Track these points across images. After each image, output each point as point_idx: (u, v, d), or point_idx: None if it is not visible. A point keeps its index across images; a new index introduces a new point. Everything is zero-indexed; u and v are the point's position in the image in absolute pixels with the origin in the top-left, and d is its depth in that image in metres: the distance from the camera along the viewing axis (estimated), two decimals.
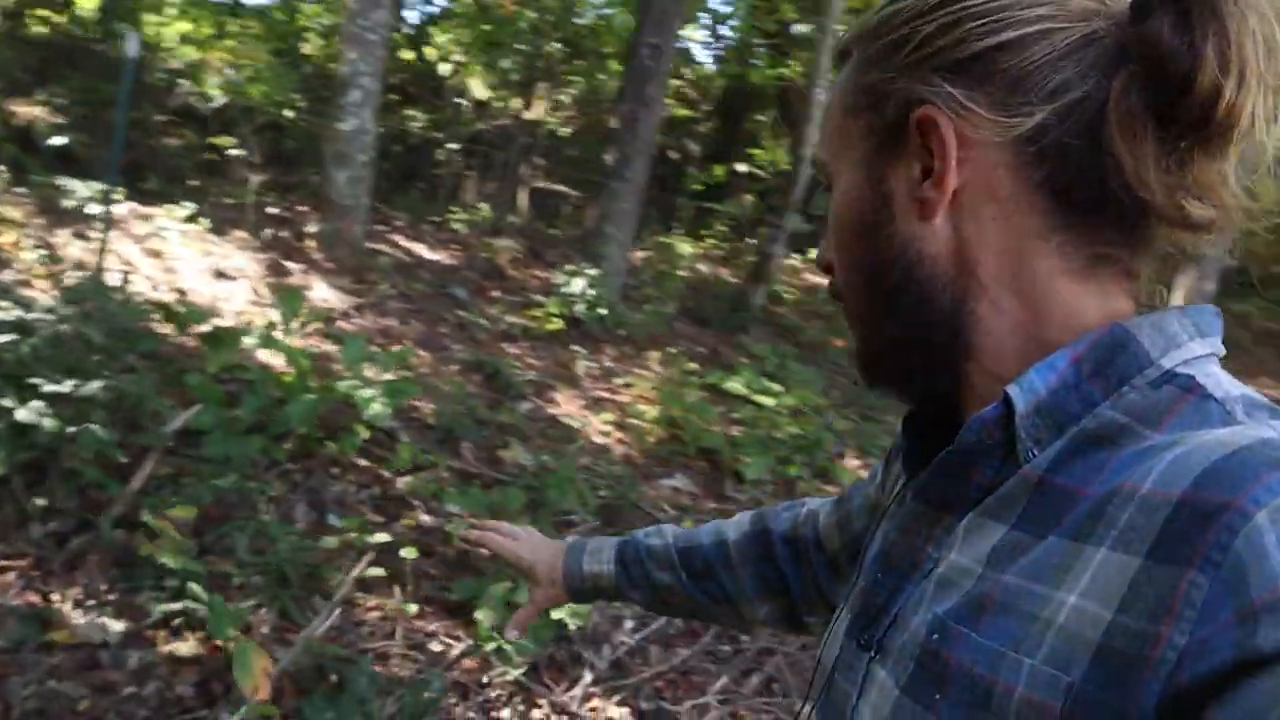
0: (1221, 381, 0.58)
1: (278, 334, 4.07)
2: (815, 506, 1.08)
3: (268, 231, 6.40)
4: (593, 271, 6.49)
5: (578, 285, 6.33)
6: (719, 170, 11.96)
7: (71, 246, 5.37)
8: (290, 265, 5.99)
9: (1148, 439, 0.56)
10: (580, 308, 6.32)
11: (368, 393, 3.93)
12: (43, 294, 4.57)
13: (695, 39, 13.47)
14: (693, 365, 6.22)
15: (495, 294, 7.03)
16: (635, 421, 5.38)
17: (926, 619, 0.61)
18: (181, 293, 5.17)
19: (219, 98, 6.33)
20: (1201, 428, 0.55)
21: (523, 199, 10.20)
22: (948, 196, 0.61)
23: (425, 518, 3.83)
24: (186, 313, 3.99)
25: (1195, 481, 0.49)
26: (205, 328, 4.02)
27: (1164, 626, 0.47)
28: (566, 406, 5.44)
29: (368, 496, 3.88)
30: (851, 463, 5.65)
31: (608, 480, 4.52)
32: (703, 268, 9.78)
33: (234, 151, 6.70)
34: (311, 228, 6.63)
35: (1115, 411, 0.58)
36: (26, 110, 7.78)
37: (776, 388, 6.31)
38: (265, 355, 4.24)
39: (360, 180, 6.66)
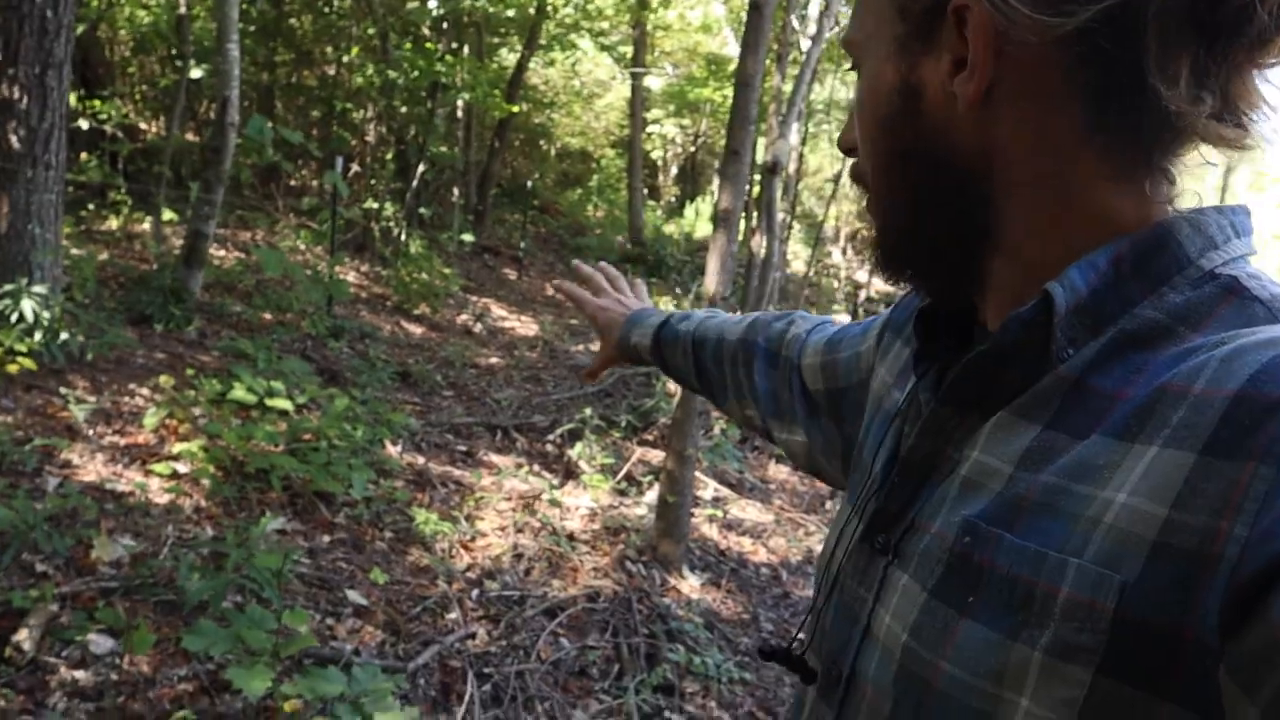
0: (1264, 282, 0.58)
1: None
2: (803, 331, 1.08)
3: None
4: (39, 289, 5.09)
5: (28, 309, 4.92)
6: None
7: None
8: None
9: (1189, 340, 0.55)
10: (39, 337, 4.95)
11: None
12: None
13: None
14: (216, 384, 5.31)
15: None
16: (185, 465, 4.49)
17: (955, 521, 0.60)
18: None
19: None
20: (1247, 328, 0.54)
21: None
22: (980, 92, 0.59)
23: (78, 674, 2.87)
24: None
25: (1251, 378, 0.49)
26: None
27: (1224, 521, 0.46)
28: (93, 468, 4.31)
29: None
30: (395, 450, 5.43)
31: (202, 546, 3.75)
32: (79, 251, 8.11)
33: None
34: None
35: (1156, 312, 0.57)
36: None
37: (279, 386, 5.69)
38: None
39: None
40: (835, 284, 17.86)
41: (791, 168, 15.14)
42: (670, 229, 19.12)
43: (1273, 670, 0.42)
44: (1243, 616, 0.45)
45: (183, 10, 8.61)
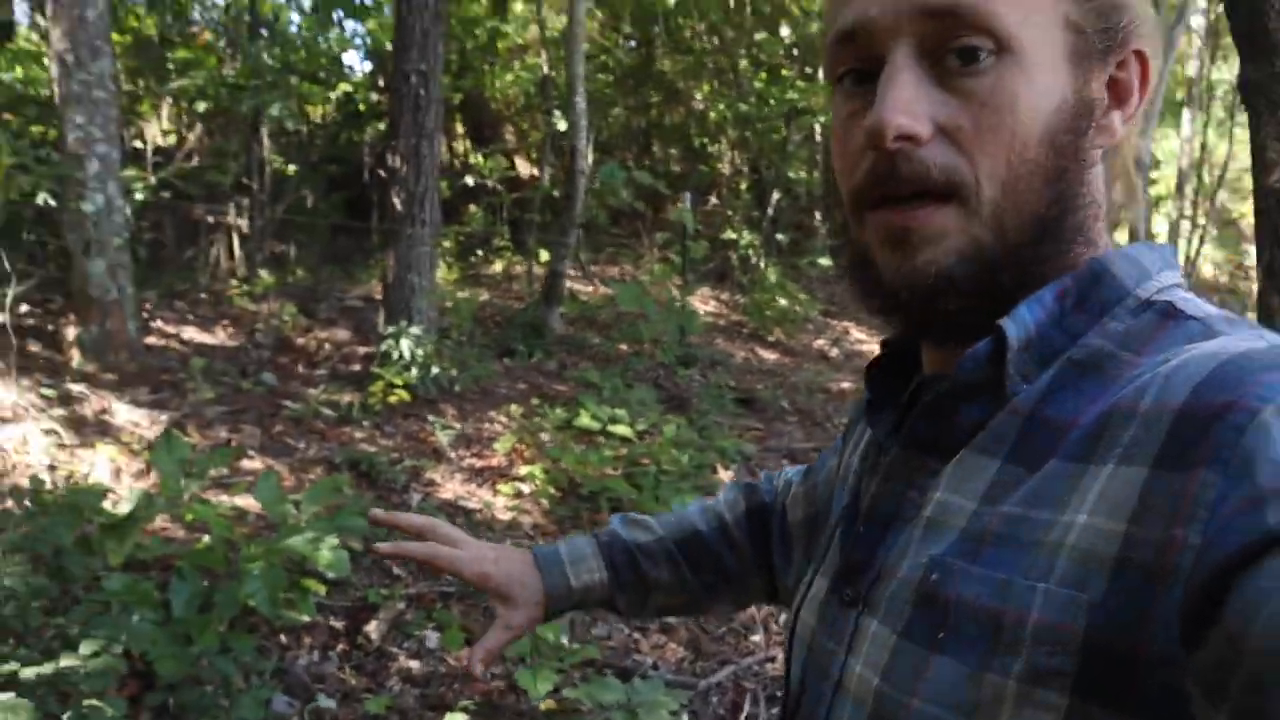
0: (1198, 303, 0.61)
1: (187, 499, 3.31)
2: (791, 474, 1.06)
3: (19, 351, 5.25)
4: (416, 330, 5.92)
5: (405, 348, 5.74)
6: (441, 186, 11.39)
7: None
8: (74, 389, 4.94)
9: (1134, 363, 0.57)
10: (415, 372, 5.75)
11: (308, 537, 3.29)
12: None
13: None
14: (561, 412, 5.87)
15: (300, 370, 6.25)
16: (528, 486, 4.99)
17: (920, 562, 0.60)
18: None
19: None
20: (1187, 344, 0.56)
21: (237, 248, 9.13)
22: (1122, 135, 0.63)
23: (413, 664, 3.32)
24: (74, 499, 3.13)
25: (1195, 390, 0.50)
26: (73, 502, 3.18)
27: (1178, 529, 0.47)
28: (450, 487, 4.94)
29: (341, 659, 3.28)
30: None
31: None
32: (463, 294, 9.27)
33: None
34: (71, 333, 5.50)
35: (1101, 340, 0.60)
36: None
37: (621, 413, 6.11)
38: (159, 525, 3.45)
39: (120, 267, 5.62)
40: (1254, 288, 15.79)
41: (1184, 162, 13.71)
42: None
43: (1234, 676, 0.42)
44: (1201, 625, 0.45)
45: (545, 71, 9.53)
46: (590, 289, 10.53)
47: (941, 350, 0.67)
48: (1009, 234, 0.60)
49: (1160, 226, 14.43)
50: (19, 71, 7.28)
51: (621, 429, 5.83)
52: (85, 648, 2.29)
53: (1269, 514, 0.44)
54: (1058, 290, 0.61)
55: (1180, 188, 13.96)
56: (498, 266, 10.73)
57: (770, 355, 9.75)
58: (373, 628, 3.41)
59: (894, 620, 0.61)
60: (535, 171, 13.32)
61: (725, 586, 1.05)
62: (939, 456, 0.64)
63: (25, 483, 3.68)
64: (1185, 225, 14.03)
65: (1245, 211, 15.39)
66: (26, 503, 3.19)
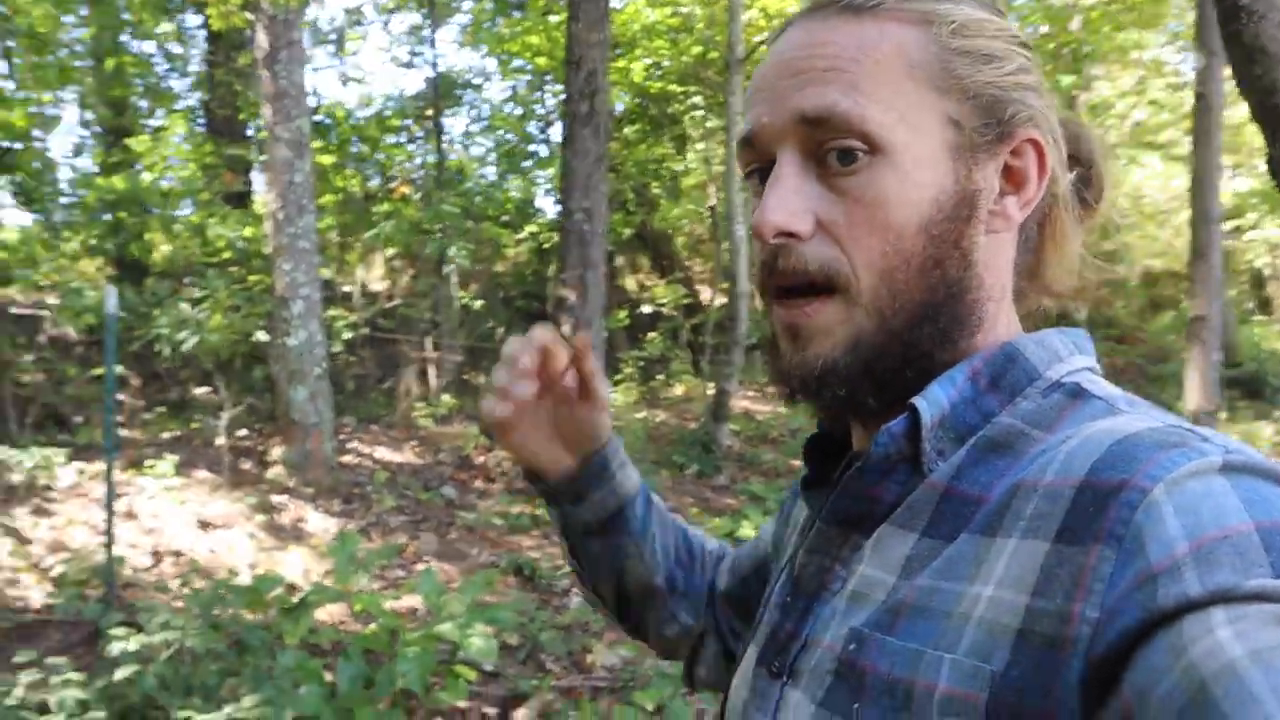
0: (1103, 385, 0.63)
1: (355, 589, 3.66)
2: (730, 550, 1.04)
3: (231, 467, 5.91)
4: None
5: None
6: (620, 316, 11.99)
7: (38, 525, 4.78)
8: (275, 499, 5.51)
9: (1043, 441, 0.59)
10: None
11: (465, 629, 3.56)
12: (34, 584, 4.03)
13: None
14: (722, 522, 6.01)
15: (478, 485, 6.68)
16: None
17: (841, 633, 0.61)
18: (178, 554, 4.66)
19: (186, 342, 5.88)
20: (1090, 421, 0.58)
21: (432, 376, 9.90)
22: (1019, 221, 0.66)
23: None
24: (257, 585, 3.55)
25: (1093, 467, 0.52)
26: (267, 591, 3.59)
27: (1076, 604, 0.48)
28: None
29: None
30: None
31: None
32: (639, 415, 9.64)
33: (199, 391, 6.21)
34: (276, 452, 6.15)
35: (1012, 419, 0.62)
36: None
37: None
38: (334, 614, 3.82)
39: (320, 395, 6.28)
40: None
41: None
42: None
43: None
44: (1099, 697, 0.47)
45: (713, 202, 10.01)
46: (766, 408, 10.69)
47: (867, 430, 0.68)
48: (890, 319, 0.63)
49: None
50: (248, 230, 8.36)
51: None
52: (248, 700, 2.60)
53: (1159, 591, 0.46)
54: (968, 371, 0.63)
55: None
56: (678, 389, 11.08)
57: None
58: (521, 715, 3.61)
59: (814, 690, 0.61)
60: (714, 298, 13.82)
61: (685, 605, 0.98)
62: (862, 531, 0.65)
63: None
64: None
65: None
66: (221, 591, 3.62)
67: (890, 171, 0.62)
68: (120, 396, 5.91)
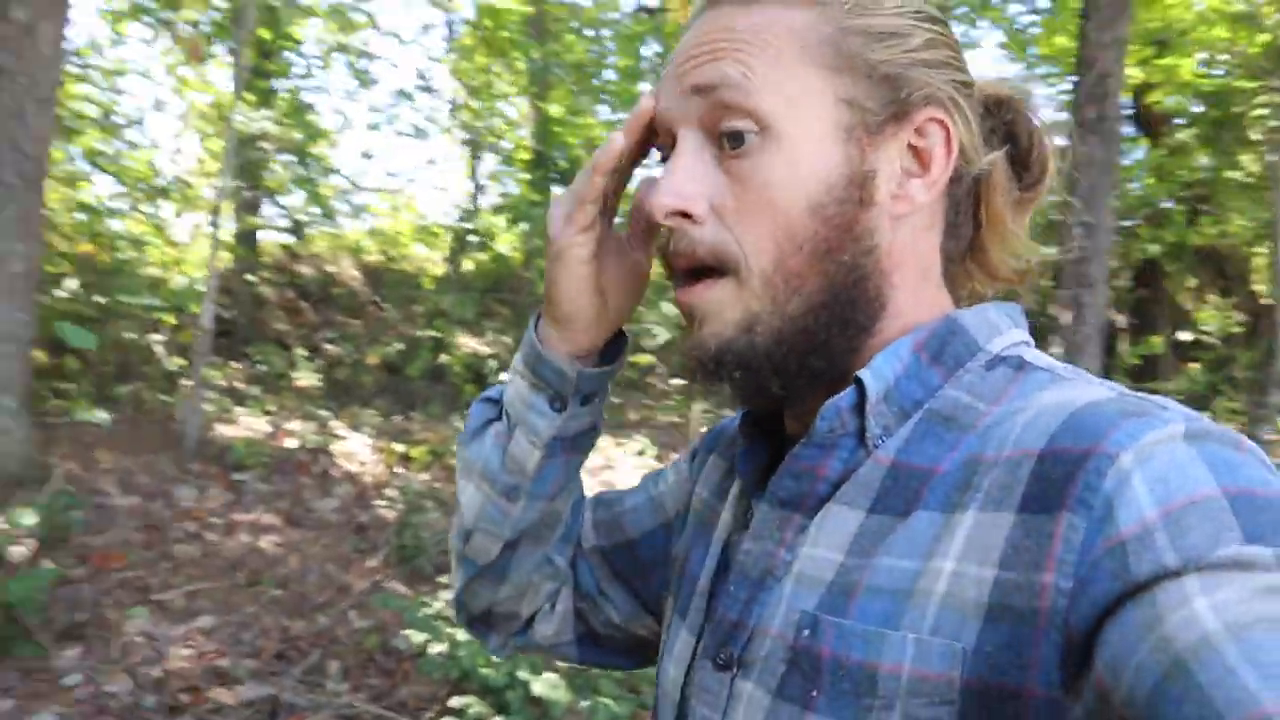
0: (1044, 356, 0.64)
1: None
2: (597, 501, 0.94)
3: None
4: None
5: None
6: (1155, 341, 10.73)
7: None
8: None
9: (991, 413, 0.59)
10: None
11: None
12: None
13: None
14: None
15: None
16: None
17: (793, 619, 0.59)
18: None
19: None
20: (1037, 393, 0.58)
21: None
22: (925, 201, 0.64)
23: None
24: None
25: (1054, 435, 0.52)
26: None
27: (1048, 574, 0.48)
28: None
29: None
30: None
31: None
32: None
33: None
34: None
35: (958, 391, 0.61)
36: (469, 344, 8.43)
37: None
38: None
39: None
40: None
41: None
42: None
43: (1112, 716, 0.44)
44: (1078, 669, 0.46)
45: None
46: None
47: (794, 412, 0.68)
48: (784, 303, 0.62)
49: None
50: None
51: None
52: None
53: (1129, 559, 0.46)
54: (912, 344, 0.62)
55: None
56: None
57: None
58: None
59: (769, 680, 0.59)
60: None
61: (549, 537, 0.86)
62: (806, 512, 0.63)
63: None
64: None
65: None
66: None
67: (778, 153, 0.61)
68: None
